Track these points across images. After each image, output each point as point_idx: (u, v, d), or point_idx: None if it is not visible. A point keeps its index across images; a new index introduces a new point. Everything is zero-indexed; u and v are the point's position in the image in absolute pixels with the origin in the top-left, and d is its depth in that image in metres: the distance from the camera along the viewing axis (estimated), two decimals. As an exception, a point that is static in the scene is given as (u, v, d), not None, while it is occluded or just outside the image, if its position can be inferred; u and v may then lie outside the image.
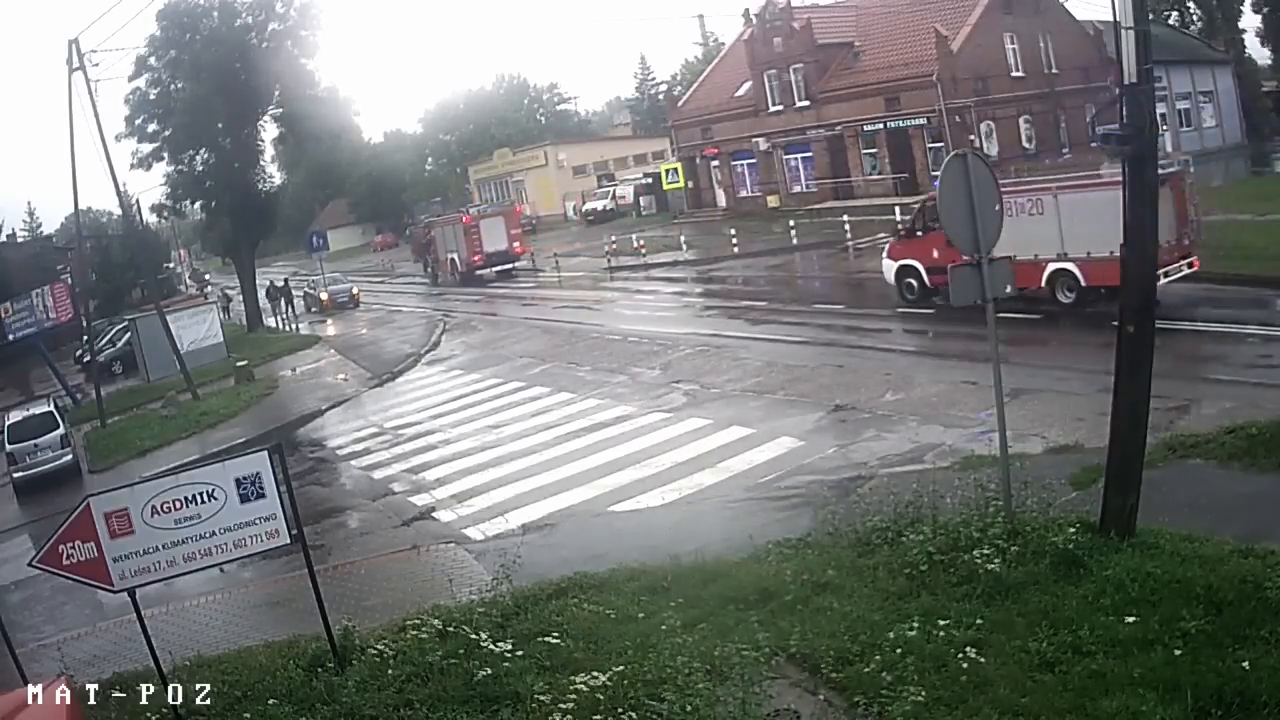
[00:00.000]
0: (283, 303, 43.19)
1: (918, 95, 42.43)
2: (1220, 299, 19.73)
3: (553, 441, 17.60)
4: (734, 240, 39.66)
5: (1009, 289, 9.68)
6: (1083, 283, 20.16)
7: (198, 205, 46.07)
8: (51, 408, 23.50)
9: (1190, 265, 20.06)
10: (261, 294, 45.07)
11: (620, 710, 7.26)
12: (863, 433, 15.22)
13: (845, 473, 13.48)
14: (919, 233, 23.20)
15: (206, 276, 77.48)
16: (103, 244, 59.35)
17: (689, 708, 7.14)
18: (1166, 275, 18.74)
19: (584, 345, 26.18)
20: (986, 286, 9.32)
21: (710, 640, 8.22)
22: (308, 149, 58.30)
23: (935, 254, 21.60)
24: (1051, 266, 20.29)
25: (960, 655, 7.31)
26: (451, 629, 9.07)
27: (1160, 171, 19.66)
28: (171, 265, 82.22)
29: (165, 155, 41.59)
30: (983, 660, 7.25)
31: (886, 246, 24.92)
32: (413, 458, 18.59)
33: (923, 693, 6.93)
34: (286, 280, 46.03)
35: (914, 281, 23.45)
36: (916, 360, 18.79)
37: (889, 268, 24.23)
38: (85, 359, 33.60)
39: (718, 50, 68.26)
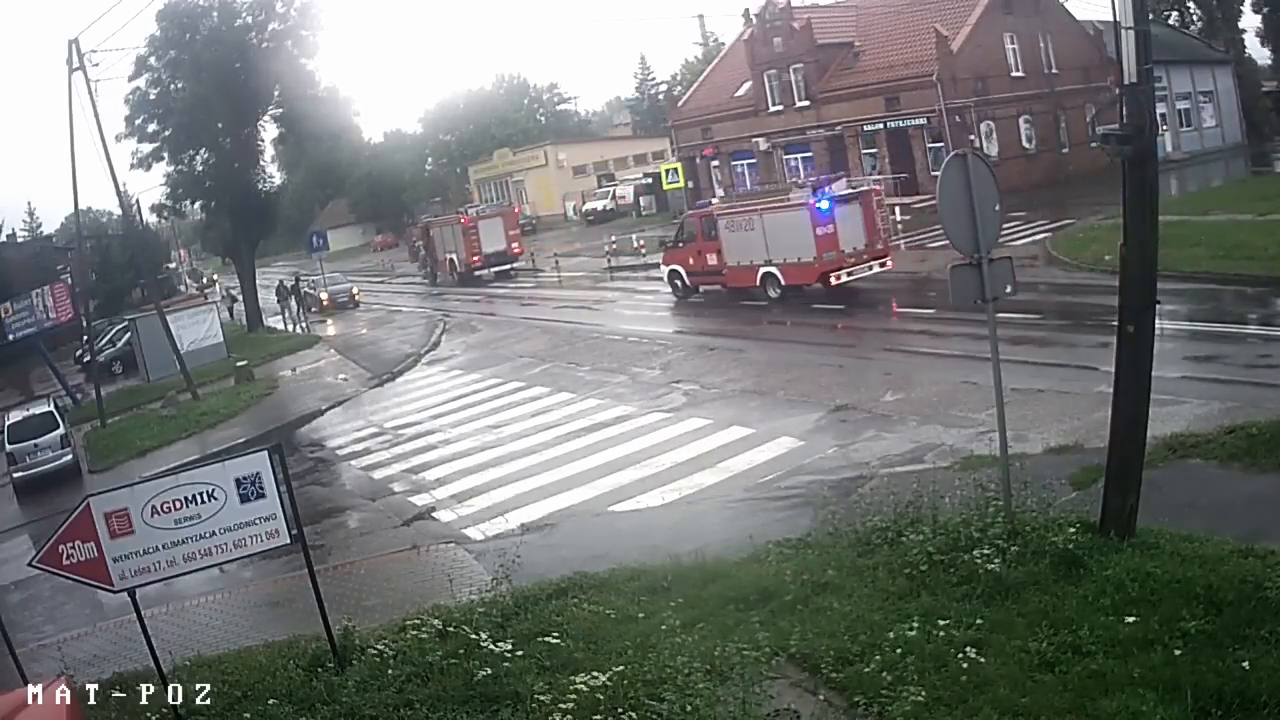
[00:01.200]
0: (292, 302, 43.20)
1: (918, 95, 42.41)
2: (1220, 298, 19.76)
3: (553, 441, 17.60)
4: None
5: (1009, 289, 9.66)
6: (783, 282, 26.39)
7: (198, 205, 46.05)
8: (51, 408, 23.48)
9: (883, 265, 26.06)
10: (271, 294, 45.11)
11: (620, 710, 7.26)
12: (863, 433, 15.23)
13: (845, 473, 13.48)
14: (680, 244, 29.81)
15: (215, 277, 77.27)
16: (103, 244, 59.34)
17: (689, 708, 7.14)
18: (851, 274, 25.46)
19: (584, 345, 26.18)
20: (987, 286, 9.31)
21: (710, 640, 8.22)
22: (308, 149, 58.24)
23: (690, 261, 29.28)
24: (762, 270, 26.59)
25: (960, 655, 7.31)
26: (451, 629, 9.07)
27: (853, 190, 25.85)
28: (173, 265, 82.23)
29: (165, 155, 41.58)
30: (983, 660, 7.25)
31: (662, 255, 31.36)
32: (413, 458, 18.59)
33: (923, 693, 6.93)
34: (296, 279, 46.03)
35: (679, 282, 30.16)
36: (917, 360, 18.80)
37: (664, 271, 31.03)
38: (85, 359, 33.59)
39: (718, 50, 68.19)
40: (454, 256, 47.00)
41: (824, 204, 25.03)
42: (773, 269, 26.33)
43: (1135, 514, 8.88)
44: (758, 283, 26.87)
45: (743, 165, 52.73)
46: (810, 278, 25.60)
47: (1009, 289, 9.63)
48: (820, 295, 25.46)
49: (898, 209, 38.57)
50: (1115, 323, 8.85)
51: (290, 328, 41.70)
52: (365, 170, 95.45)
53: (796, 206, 25.66)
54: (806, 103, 47.61)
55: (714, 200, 31.79)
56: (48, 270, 47.29)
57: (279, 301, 44.14)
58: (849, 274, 25.32)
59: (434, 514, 15.20)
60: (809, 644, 7.94)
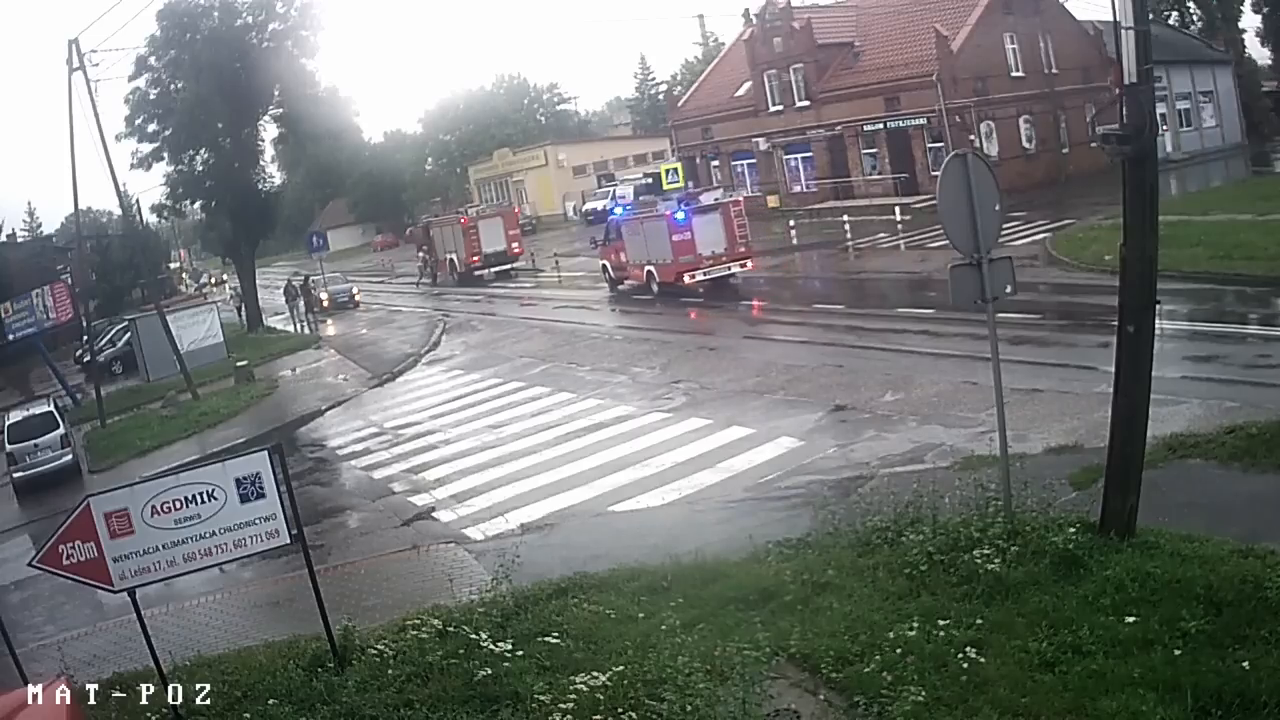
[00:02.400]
0: (300, 302, 43.14)
1: (918, 95, 42.42)
2: (1220, 298, 19.76)
3: (553, 441, 17.60)
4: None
5: (1009, 289, 9.65)
6: (658, 279, 30.95)
7: (198, 205, 46.02)
8: (51, 408, 23.44)
9: (743, 265, 30.44)
10: (271, 293, 44.98)
11: (620, 710, 7.26)
12: (863, 433, 15.22)
13: (845, 473, 13.48)
14: (607, 243, 34.71)
15: (224, 277, 76.96)
16: (103, 244, 59.30)
17: (689, 708, 7.14)
18: (707, 275, 29.73)
19: (584, 345, 26.19)
20: (987, 286, 9.30)
21: (710, 640, 8.21)
22: (308, 149, 58.18)
23: (612, 258, 34.21)
24: (646, 268, 31.64)
25: (960, 655, 7.30)
26: (451, 629, 9.06)
27: (714, 202, 31.83)
28: (175, 266, 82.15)
29: (165, 155, 41.55)
30: (983, 660, 7.25)
31: (598, 251, 36.03)
32: (413, 458, 18.58)
33: (923, 693, 6.93)
34: (305, 279, 46.02)
35: (608, 274, 34.90)
36: (917, 360, 18.80)
37: (599, 265, 35.90)
38: (85, 359, 33.59)
39: (718, 50, 68.23)
40: (454, 256, 46.99)
41: (680, 215, 29.74)
42: (651, 268, 31.41)
43: (1135, 514, 8.87)
44: (644, 279, 31.85)
45: (743, 165, 52.74)
46: (671, 276, 30.23)
47: (1009, 289, 9.60)
48: (825, 295, 25.75)
49: (897, 209, 38.66)
50: (1115, 323, 8.84)
51: (297, 328, 41.70)
52: (365, 170, 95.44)
53: (659, 216, 30.58)
54: (806, 103, 47.61)
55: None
56: (48, 270, 47.19)
57: (287, 302, 44.05)
58: (705, 274, 29.78)
59: (434, 514, 15.19)
60: (809, 644, 7.94)
